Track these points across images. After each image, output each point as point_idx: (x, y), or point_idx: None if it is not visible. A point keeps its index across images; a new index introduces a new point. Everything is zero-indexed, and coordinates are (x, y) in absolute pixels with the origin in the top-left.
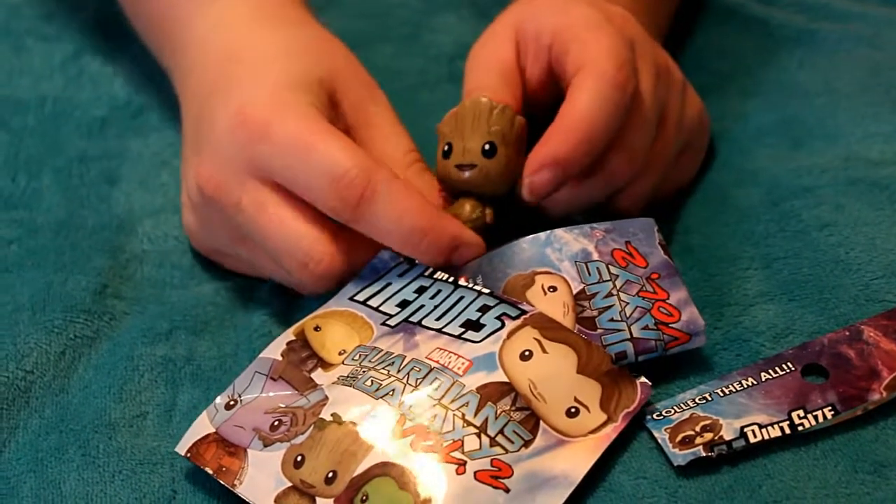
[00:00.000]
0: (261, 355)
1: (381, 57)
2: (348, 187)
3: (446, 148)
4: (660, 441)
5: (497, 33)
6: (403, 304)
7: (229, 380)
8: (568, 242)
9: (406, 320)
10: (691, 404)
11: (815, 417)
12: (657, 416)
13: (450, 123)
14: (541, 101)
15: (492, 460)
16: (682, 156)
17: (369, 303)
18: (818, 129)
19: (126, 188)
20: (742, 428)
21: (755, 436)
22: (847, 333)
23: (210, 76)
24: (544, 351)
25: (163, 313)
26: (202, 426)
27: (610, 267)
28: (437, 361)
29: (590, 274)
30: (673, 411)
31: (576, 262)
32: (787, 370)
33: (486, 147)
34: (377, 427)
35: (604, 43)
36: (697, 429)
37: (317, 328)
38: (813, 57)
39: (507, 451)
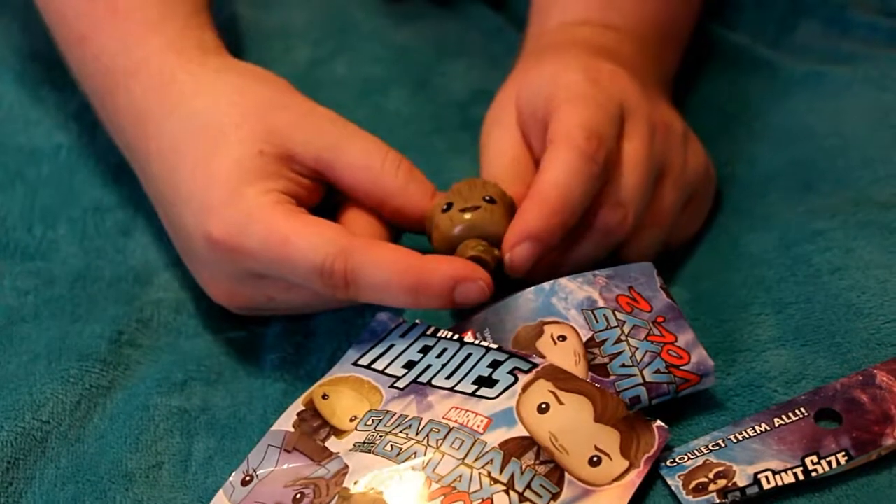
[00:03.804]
0: (272, 428)
1: (393, 102)
2: (331, 276)
3: (445, 206)
4: (673, 488)
5: (502, 118)
6: (409, 365)
7: (244, 429)
8: (573, 291)
9: (415, 381)
10: (705, 451)
11: (829, 463)
12: (671, 462)
13: (445, 195)
14: None
15: None
16: (687, 207)
17: (374, 366)
18: (827, 173)
19: (141, 239)
20: (756, 474)
21: (769, 482)
22: (860, 378)
23: (155, 148)
24: (560, 402)
25: (177, 362)
26: None
27: (616, 313)
28: (455, 421)
29: (597, 321)
30: (686, 458)
31: (582, 309)
32: (801, 415)
33: (487, 198)
34: (404, 492)
35: (578, 114)
36: (711, 475)
37: (325, 396)
38: (821, 99)
39: None
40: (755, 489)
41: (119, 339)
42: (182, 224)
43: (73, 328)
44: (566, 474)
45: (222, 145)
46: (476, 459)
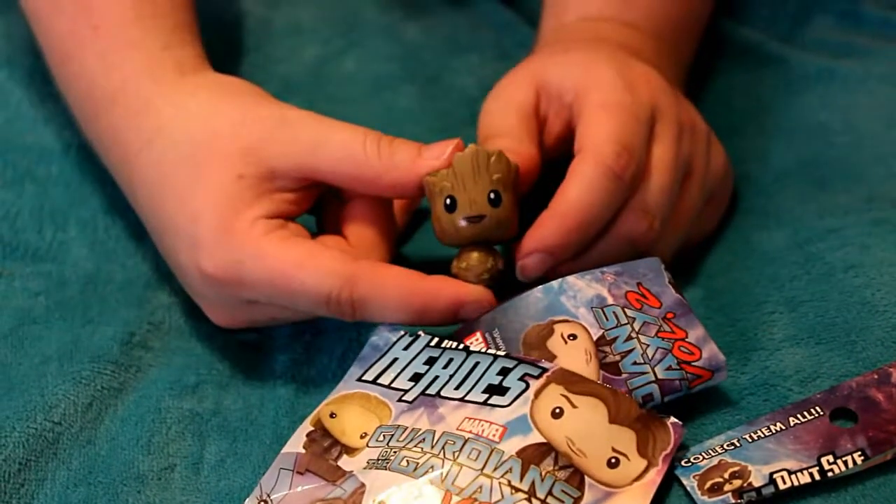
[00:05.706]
0: (282, 451)
1: (404, 99)
2: (338, 305)
3: (448, 202)
4: (688, 488)
5: (517, 79)
6: (416, 378)
7: (256, 431)
8: (581, 289)
9: (423, 393)
10: (720, 450)
11: (845, 463)
12: (685, 462)
13: (448, 178)
14: (561, 151)
15: None
16: (706, 207)
17: (380, 381)
18: (841, 170)
19: (152, 243)
20: (771, 474)
21: (784, 482)
22: (875, 376)
23: (138, 175)
24: (573, 406)
25: (189, 365)
26: None
27: (626, 310)
28: (470, 431)
29: (607, 319)
30: (701, 458)
31: (592, 307)
32: (816, 414)
33: (492, 196)
34: None
35: (610, 125)
36: (726, 475)
37: (332, 415)
38: (834, 95)
39: None
40: (771, 489)
41: (131, 341)
42: (176, 260)
43: (84, 330)
44: (586, 478)
45: (201, 176)
46: (495, 469)
